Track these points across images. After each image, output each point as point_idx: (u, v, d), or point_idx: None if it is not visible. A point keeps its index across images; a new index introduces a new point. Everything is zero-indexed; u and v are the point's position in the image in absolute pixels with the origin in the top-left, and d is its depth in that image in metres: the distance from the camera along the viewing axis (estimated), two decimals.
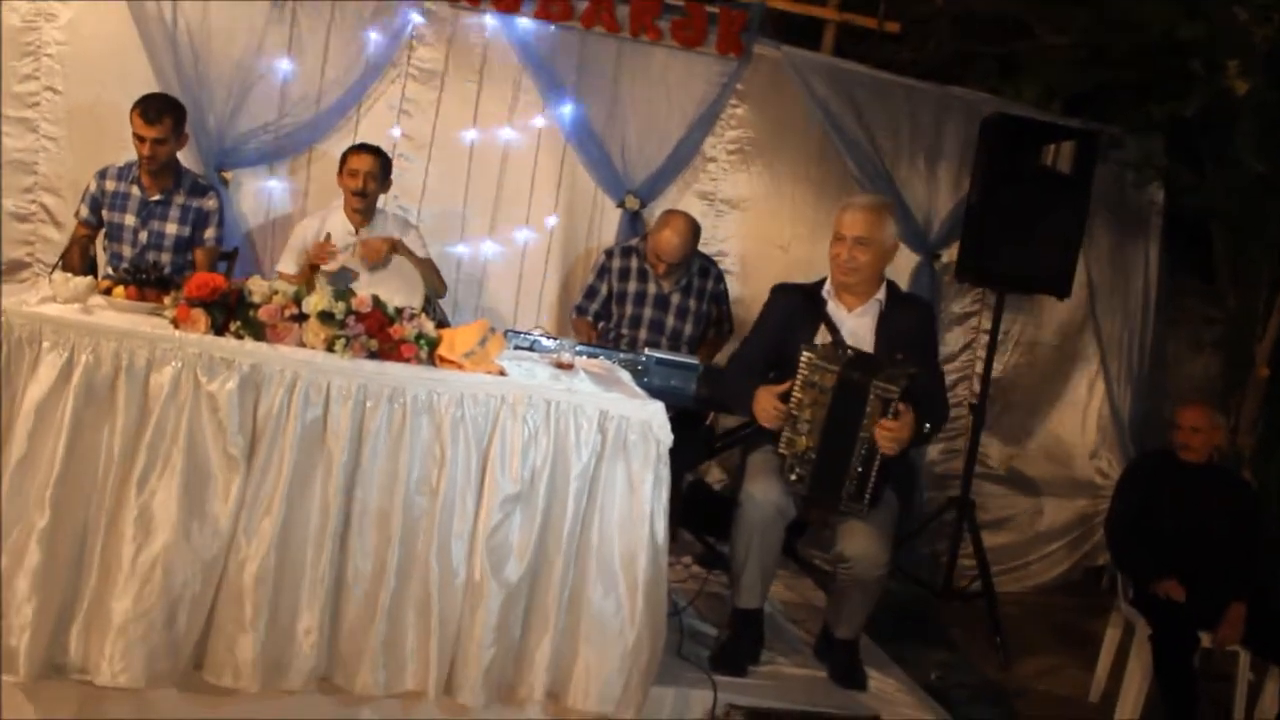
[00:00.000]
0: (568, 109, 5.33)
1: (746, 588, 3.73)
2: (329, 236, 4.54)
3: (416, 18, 5.22)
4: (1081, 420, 5.78)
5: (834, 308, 3.87)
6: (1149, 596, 4.04)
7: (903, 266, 5.43)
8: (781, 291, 4.01)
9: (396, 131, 5.25)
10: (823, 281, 3.93)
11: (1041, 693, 4.38)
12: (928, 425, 3.64)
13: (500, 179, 5.37)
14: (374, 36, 5.17)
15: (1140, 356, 5.74)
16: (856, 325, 3.84)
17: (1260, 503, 4.53)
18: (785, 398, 3.64)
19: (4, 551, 2.89)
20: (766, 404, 3.68)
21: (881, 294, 3.88)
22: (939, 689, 4.00)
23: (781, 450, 3.67)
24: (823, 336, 3.79)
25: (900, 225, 3.92)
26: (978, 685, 4.24)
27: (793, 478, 3.65)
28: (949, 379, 5.41)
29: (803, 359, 3.59)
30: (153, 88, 4.77)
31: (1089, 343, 5.75)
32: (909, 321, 3.86)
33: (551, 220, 5.43)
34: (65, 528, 2.93)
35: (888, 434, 3.50)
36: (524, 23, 5.27)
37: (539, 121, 5.37)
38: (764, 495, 3.65)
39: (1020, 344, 5.76)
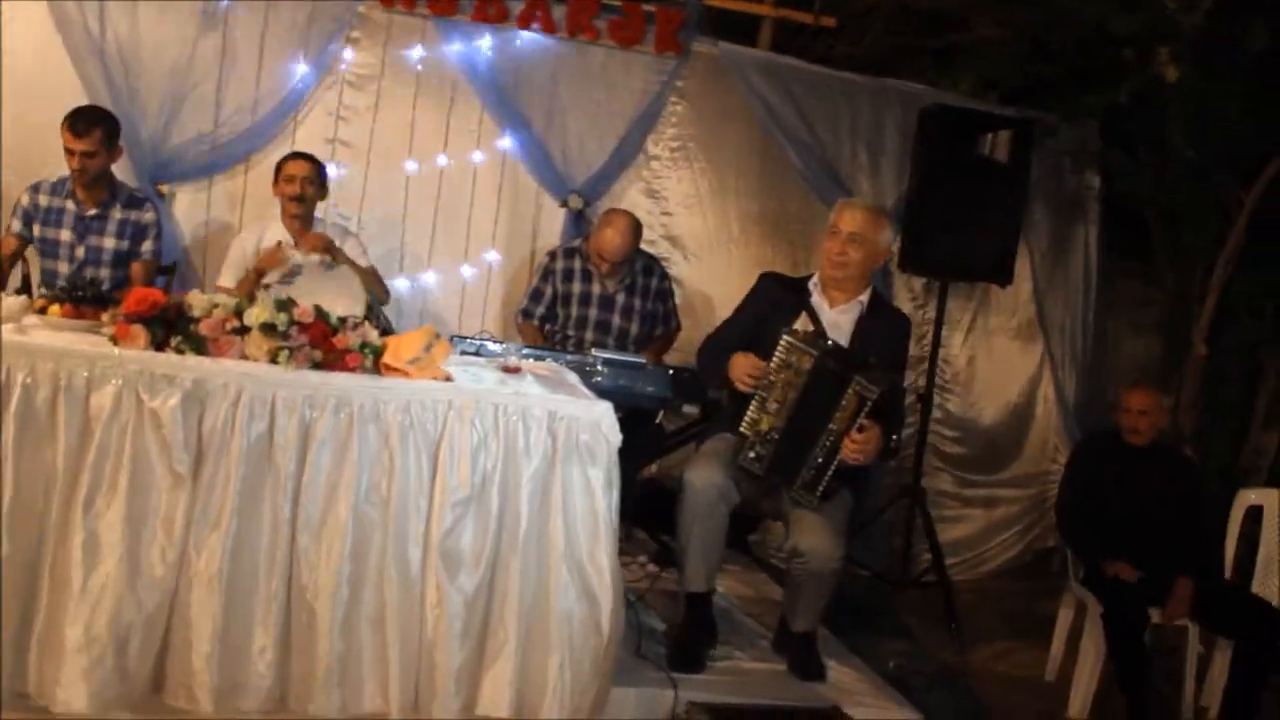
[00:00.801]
0: (507, 111, 5.30)
1: (692, 571, 3.75)
2: (280, 245, 4.48)
3: (351, 22, 5.16)
4: (1030, 405, 5.84)
5: (818, 300, 3.93)
6: (1099, 576, 4.10)
7: None
8: (768, 278, 4.11)
9: (333, 138, 5.19)
10: (810, 276, 4.00)
11: (999, 675, 4.43)
12: (895, 438, 3.68)
13: (440, 184, 5.34)
14: (308, 43, 5.11)
15: (1083, 340, 5.82)
16: (837, 320, 3.90)
17: (1203, 480, 4.60)
18: (763, 373, 3.67)
19: None
20: (743, 362, 3.70)
21: (865, 297, 3.94)
22: (897, 677, 4.02)
23: (743, 429, 3.68)
24: (803, 324, 3.83)
25: (893, 233, 3.97)
26: (935, 672, 4.27)
27: (751, 455, 3.67)
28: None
29: (783, 341, 3.63)
30: (82, 101, 4.69)
31: (1038, 331, 5.82)
32: (886, 330, 3.93)
33: (491, 223, 5.39)
34: (17, 554, 2.88)
35: (854, 445, 3.54)
36: (460, 25, 5.23)
37: (478, 125, 5.34)
38: (705, 479, 3.68)
39: (975, 332, 5.80)
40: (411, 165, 5.30)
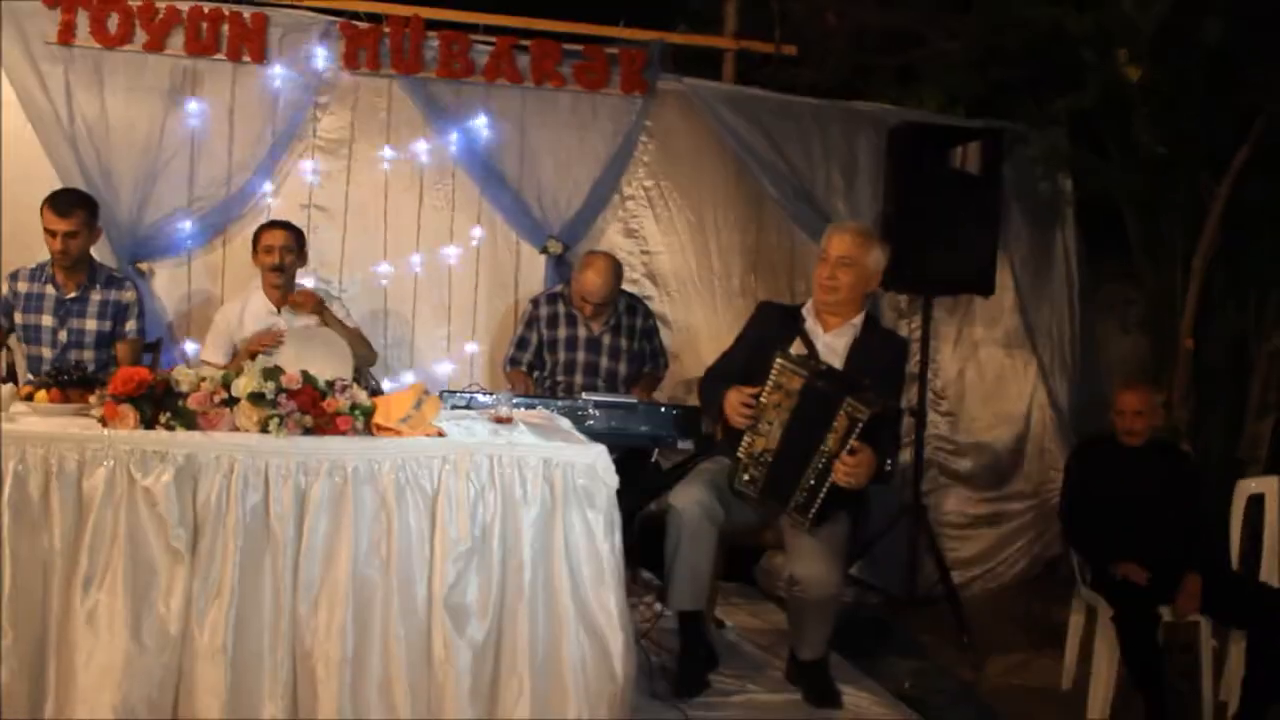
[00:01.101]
0: (479, 163, 5.32)
1: (677, 588, 3.75)
2: (279, 330, 4.49)
3: (318, 89, 5.19)
4: (1025, 414, 5.84)
5: (811, 325, 3.97)
6: (1107, 578, 4.08)
7: None
8: (766, 307, 4.20)
9: (309, 204, 5.21)
10: (805, 303, 4.05)
11: (1015, 687, 4.40)
12: (889, 463, 3.69)
13: (417, 238, 5.35)
14: (276, 112, 5.13)
15: (1071, 344, 5.84)
16: (831, 343, 3.93)
17: (1200, 473, 4.59)
18: (755, 401, 3.69)
19: None
20: (735, 399, 3.72)
21: (859, 320, 3.97)
22: (914, 697, 4.01)
23: (740, 454, 3.70)
24: (798, 349, 3.85)
25: (884, 254, 3.99)
26: (952, 689, 4.24)
27: (745, 478, 3.68)
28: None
29: (775, 363, 3.65)
30: (55, 186, 4.70)
31: (1024, 338, 5.83)
32: (881, 353, 3.96)
33: (473, 276, 5.40)
34: (22, 640, 2.87)
35: (845, 468, 3.54)
36: (426, 83, 5.27)
37: (451, 178, 5.36)
38: (690, 497, 3.72)
39: (963, 345, 5.80)
40: (387, 222, 5.31)
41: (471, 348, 5.41)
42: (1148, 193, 5.51)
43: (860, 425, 3.53)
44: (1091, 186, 5.72)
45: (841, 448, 3.56)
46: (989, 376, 5.83)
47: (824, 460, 3.58)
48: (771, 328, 4.00)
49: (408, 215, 5.35)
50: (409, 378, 5.24)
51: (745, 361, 3.91)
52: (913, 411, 5.30)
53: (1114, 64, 5.10)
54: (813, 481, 3.61)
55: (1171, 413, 5.40)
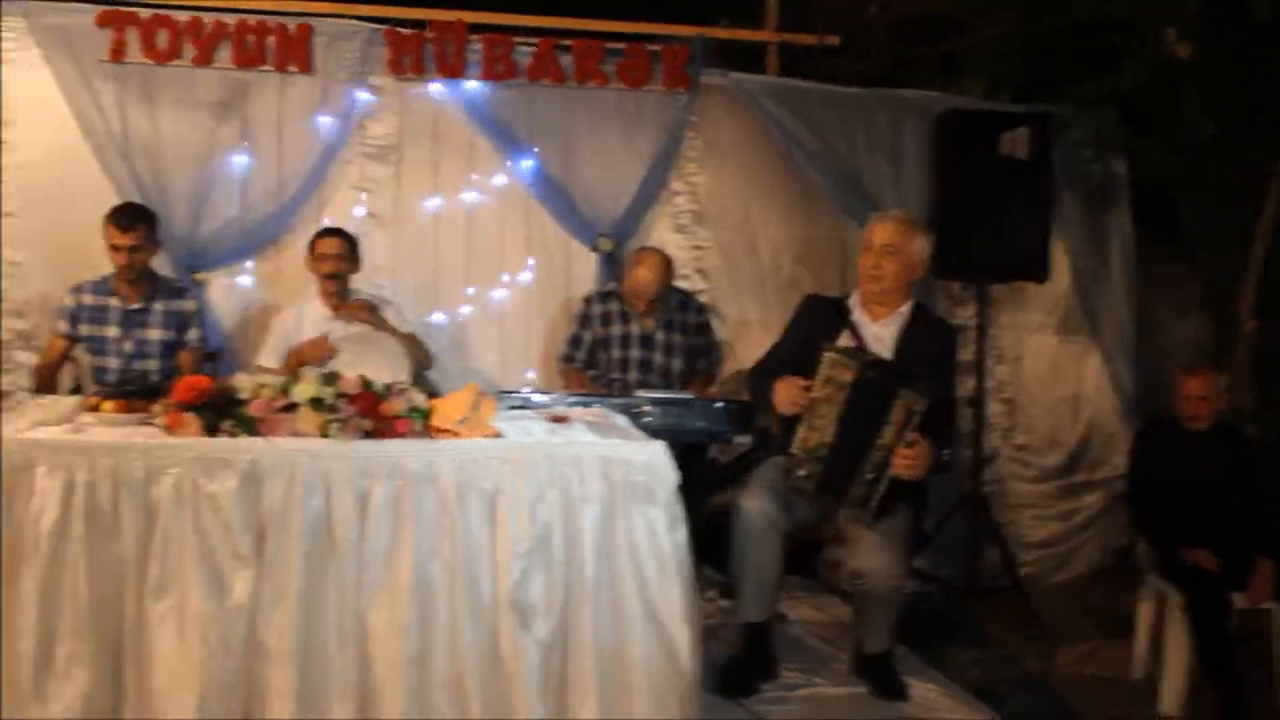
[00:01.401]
0: (526, 164, 5.34)
1: (745, 600, 3.75)
2: (326, 337, 4.53)
3: (364, 96, 5.23)
4: (1085, 399, 5.77)
5: (858, 315, 3.95)
6: (1176, 566, 4.02)
7: None
8: (812, 299, 4.17)
9: (360, 211, 5.25)
10: (851, 294, 4.03)
11: (1085, 677, 4.34)
12: (946, 452, 3.65)
13: (469, 242, 5.37)
14: (324, 121, 5.17)
15: (1130, 327, 5.76)
16: (879, 333, 3.90)
17: (1259, 456, 4.50)
18: (806, 391, 3.67)
19: (54, 674, 2.90)
20: (786, 388, 3.71)
21: (906, 308, 3.94)
22: (982, 687, 3.97)
23: (794, 450, 3.67)
24: (845, 341, 3.83)
25: (928, 241, 3.97)
26: (1020, 679, 4.20)
27: (802, 473, 3.66)
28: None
29: (825, 356, 3.63)
30: (112, 201, 4.77)
31: (1082, 323, 5.76)
32: (931, 341, 3.92)
33: (525, 276, 5.42)
34: (102, 649, 2.93)
35: (904, 460, 3.51)
36: (471, 86, 5.29)
37: (499, 180, 5.38)
38: (754, 507, 3.69)
39: (1023, 332, 5.73)
40: (438, 226, 5.34)
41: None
42: (1201, 173, 5.43)
43: (917, 417, 3.50)
44: (1143, 169, 5.64)
45: (899, 440, 3.53)
46: (1050, 363, 5.76)
47: (882, 453, 3.55)
48: (818, 320, 3.97)
49: (457, 218, 5.36)
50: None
51: (792, 355, 3.89)
52: (971, 401, 5.25)
53: (1162, 43, 5.03)
54: (871, 475, 3.58)
55: (1233, 396, 5.31)
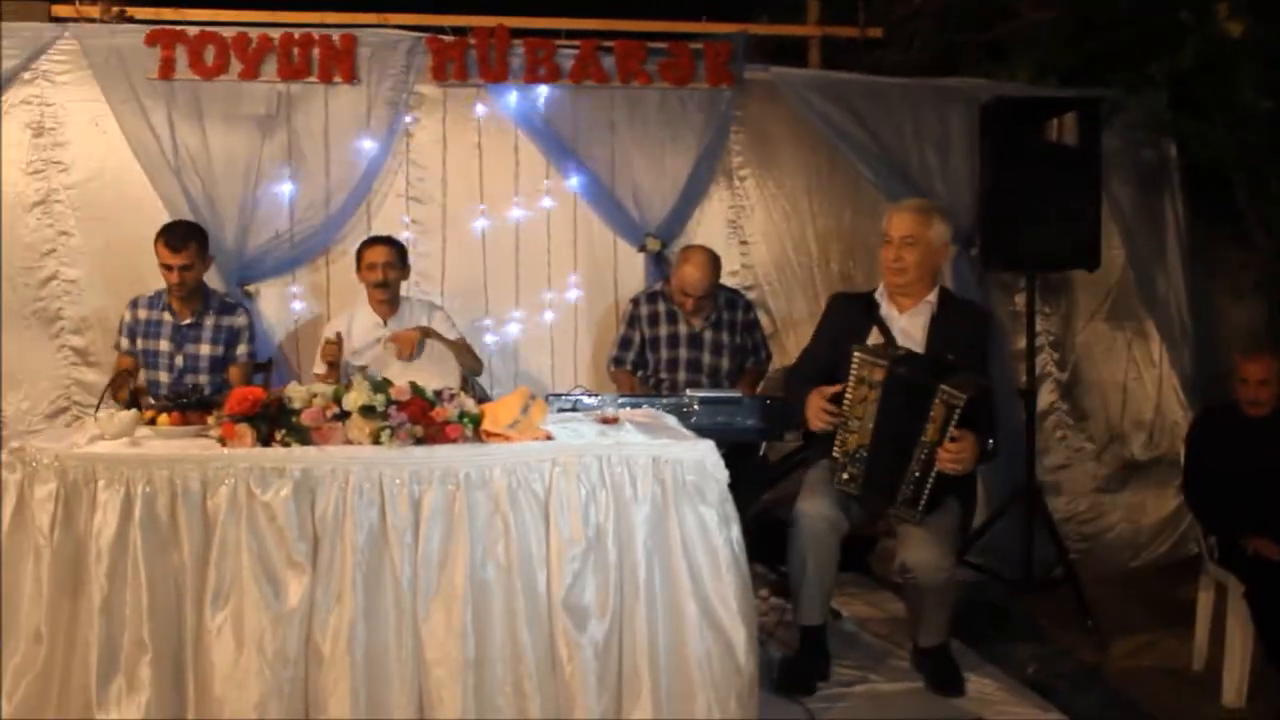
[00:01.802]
0: (571, 165, 5.36)
1: (807, 604, 3.75)
2: (336, 338, 4.60)
3: (408, 103, 5.27)
4: (1143, 386, 5.68)
5: (886, 310, 3.94)
6: (1237, 554, 3.96)
7: None
8: (837, 299, 4.17)
9: (407, 219, 5.30)
10: (876, 288, 4.01)
11: (1144, 669, 4.28)
12: (991, 442, 3.62)
13: (516, 246, 5.41)
14: (369, 130, 5.23)
15: (1187, 314, 5.66)
16: (908, 325, 3.90)
17: None
18: (838, 399, 3.68)
19: (118, 683, 2.97)
20: (816, 403, 3.72)
21: (933, 296, 3.93)
22: (1038, 682, 3.93)
23: (835, 453, 3.67)
24: (875, 339, 3.83)
25: (950, 225, 3.95)
26: (1077, 672, 4.15)
27: (845, 476, 3.66)
28: None
29: (854, 357, 3.63)
30: (163, 217, 4.86)
31: (1137, 310, 5.67)
32: (962, 326, 3.90)
33: (573, 277, 5.44)
34: (163, 656, 3.00)
35: (950, 455, 3.49)
36: (514, 90, 5.32)
37: (545, 183, 5.41)
38: (814, 509, 3.68)
39: (1079, 319, 5.66)
40: (484, 231, 5.37)
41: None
42: (1257, 153, 5.32)
43: (958, 411, 3.48)
44: (1196, 151, 5.55)
45: (942, 436, 3.51)
46: (1105, 351, 5.68)
47: (926, 451, 3.53)
48: (846, 319, 3.97)
49: (503, 224, 5.40)
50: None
51: (825, 357, 3.89)
52: (1023, 391, 5.20)
53: (1213, 21, 4.94)
54: (918, 474, 3.56)
55: None
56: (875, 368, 3.58)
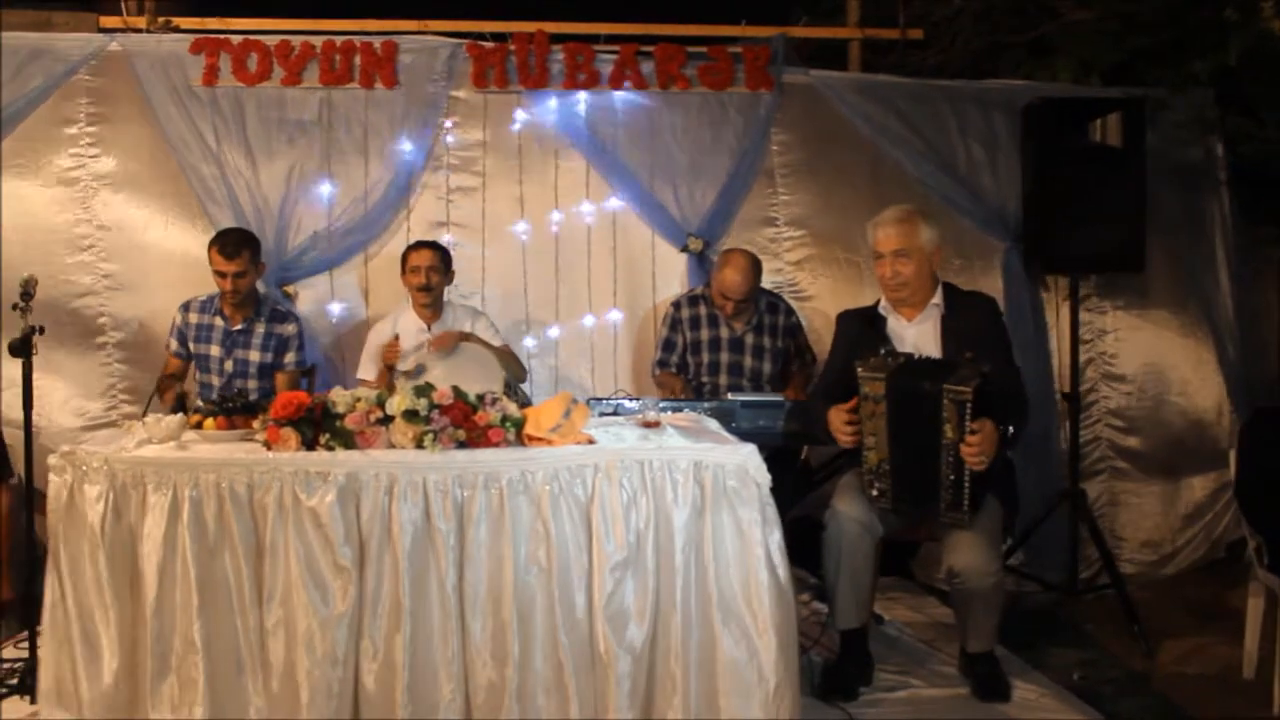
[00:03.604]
0: (611, 168, 5.36)
1: (842, 608, 3.74)
2: (397, 338, 4.61)
3: (447, 107, 5.31)
4: (1192, 387, 5.60)
5: (893, 323, 3.93)
6: None
7: (989, 254, 5.43)
8: (844, 318, 4.12)
9: (447, 222, 5.32)
10: (879, 301, 3.99)
11: (1192, 676, 4.22)
12: (1009, 429, 3.58)
13: (556, 250, 5.41)
14: (409, 133, 5.26)
15: (1234, 313, 5.58)
16: (918, 334, 3.88)
17: None
18: (855, 415, 3.66)
19: (169, 682, 3.04)
20: (836, 421, 3.72)
21: (939, 298, 3.90)
22: (1084, 688, 3.89)
23: (864, 472, 3.65)
24: (890, 349, 3.79)
25: (933, 227, 3.92)
26: (1124, 679, 4.10)
27: (874, 493, 3.65)
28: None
29: (858, 375, 3.62)
30: (201, 219, 4.98)
31: (1185, 309, 5.59)
32: (973, 320, 3.87)
33: (609, 283, 5.44)
34: (217, 656, 3.06)
35: (971, 450, 3.46)
36: (554, 95, 5.34)
37: (585, 187, 5.41)
38: (847, 512, 3.68)
39: (1125, 319, 5.59)
40: (525, 235, 5.39)
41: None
42: None
43: (969, 405, 3.45)
44: (1244, 151, 5.47)
45: (961, 433, 3.47)
46: (1152, 353, 5.59)
47: (952, 453, 3.51)
48: (855, 337, 3.94)
49: (543, 228, 5.41)
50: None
51: (839, 378, 3.86)
52: (1066, 395, 5.15)
53: (1258, 18, 4.87)
54: (952, 477, 3.53)
55: None
56: (874, 382, 3.58)
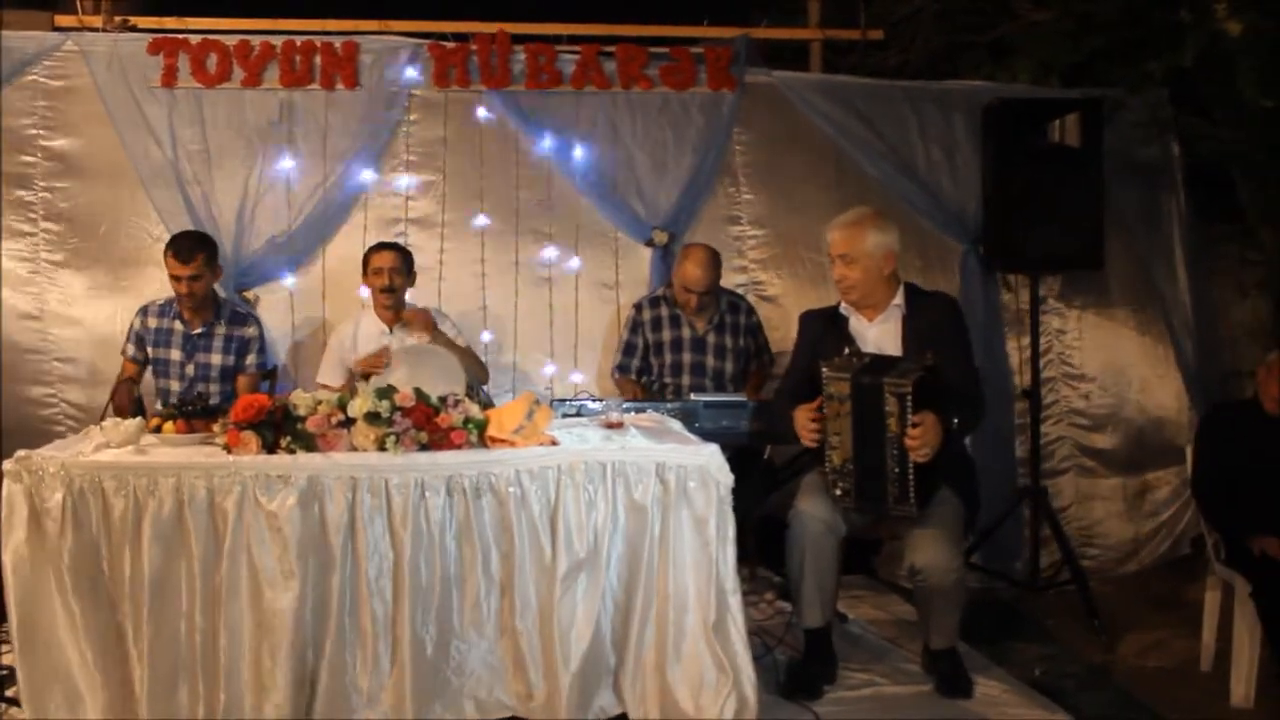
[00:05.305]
0: (574, 165, 5.34)
1: (806, 606, 3.75)
2: (387, 349, 4.58)
3: (407, 105, 5.28)
4: (1150, 384, 5.66)
5: (855, 323, 3.95)
6: (1243, 553, 3.94)
7: (948, 255, 5.47)
8: (807, 318, 4.12)
9: (406, 220, 5.29)
10: (840, 301, 4.01)
11: (1151, 669, 4.27)
12: (955, 421, 3.61)
13: (517, 247, 5.37)
14: (370, 135, 5.23)
15: (1190, 310, 5.65)
16: (880, 334, 3.90)
17: None
18: (821, 415, 3.67)
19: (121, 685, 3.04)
20: (802, 421, 3.72)
21: (900, 299, 3.91)
22: (1046, 684, 3.93)
23: (827, 471, 3.67)
24: (853, 350, 3.81)
25: (884, 231, 3.93)
26: (1084, 673, 4.14)
27: (838, 493, 3.66)
28: None
29: (822, 375, 3.63)
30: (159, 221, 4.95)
31: (1142, 308, 5.66)
32: (933, 319, 3.89)
33: (572, 274, 5.41)
34: (162, 661, 3.04)
35: (913, 442, 3.48)
36: (516, 93, 5.32)
37: (546, 184, 5.38)
38: (810, 511, 3.69)
39: (1085, 318, 5.64)
40: (483, 226, 5.34)
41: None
42: (1257, 150, 5.32)
43: (909, 398, 3.47)
44: (1198, 149, 5.54)
45: (903, 426, 3.50)
46: (1110, 350, 5.65)
47: (895, 447, 3.53)
48: (818, 337, 3.96)
49: (505, 225, 5.38)
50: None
51: (804, 379, 3.86)
52: (1026, 392, 5.19)
53: (1212, 19, 4.94)
54: (897, 469, 3.56)
55: None
56: (840, 381, 3.59)
